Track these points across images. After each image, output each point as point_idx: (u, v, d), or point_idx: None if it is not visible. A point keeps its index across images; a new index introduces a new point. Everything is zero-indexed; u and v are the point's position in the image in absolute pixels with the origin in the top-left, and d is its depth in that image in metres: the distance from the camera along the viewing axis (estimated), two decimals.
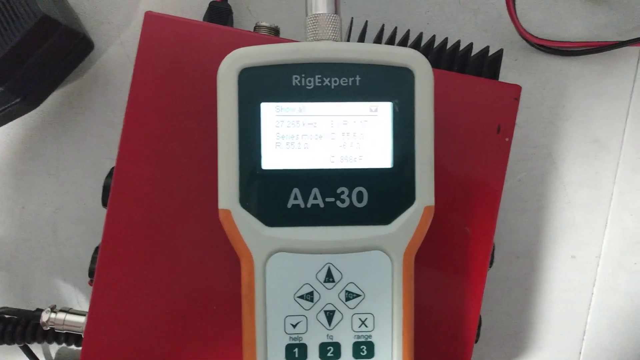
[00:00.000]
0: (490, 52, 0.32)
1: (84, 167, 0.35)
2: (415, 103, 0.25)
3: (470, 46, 0.32)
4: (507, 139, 0.30)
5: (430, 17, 0.37)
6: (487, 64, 0.32)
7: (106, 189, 0.29)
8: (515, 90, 0.30)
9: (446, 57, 0.32)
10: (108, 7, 0.35)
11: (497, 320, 0.40)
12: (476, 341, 0.31)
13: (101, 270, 0.28)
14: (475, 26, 0.37)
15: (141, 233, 0.28)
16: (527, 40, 0.36)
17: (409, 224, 0.25)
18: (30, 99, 0.31)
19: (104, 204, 0.29)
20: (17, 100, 0.30)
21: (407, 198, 0.25)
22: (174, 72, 0.28)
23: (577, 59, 0.38)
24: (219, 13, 0.32)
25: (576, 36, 0.38)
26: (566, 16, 0.38)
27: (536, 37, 0.36)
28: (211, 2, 0.33)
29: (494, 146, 0.30)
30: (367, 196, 0.25)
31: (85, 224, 0.36)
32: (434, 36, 0.32)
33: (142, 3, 0.35)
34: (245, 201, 0.24)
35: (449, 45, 0.32)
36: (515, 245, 0.39)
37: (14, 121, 0.34)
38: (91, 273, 0.29)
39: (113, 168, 0.29)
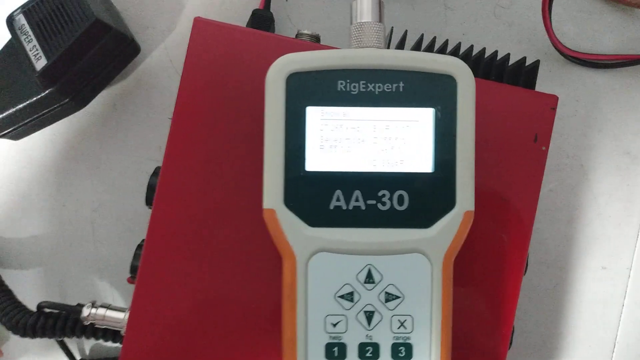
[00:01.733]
0: (527, 63, 0.32)
1: (124, 167, 0.36)
2: (457, 109, 0.25)
3: (507, 56, 0.32)
4: (543, 148, 0.31)
5: (466, 29, 0.37)
6: (524, 74, 0.32)
7: (151, 188, 0.30)
8: (552, 100, 0.31)
9: (483, 67, 0.32)
10: (153, 12, 0.36)
11: (525, 330, 0.40)
12: (509, 348, 0.31)
13: (144, 268, 0.29)
14: (510, 38, 0.38)
15: (185, 233, 0.29)
16: (561, 53, 0.37)
17: (449, 228, 0.25)
18: (78, 100, 0.32)
19: (149, 202, 0.30)
20: (67, 100, 0.31)
21: (447, 202, 0.25)
22: (221, 76, 0.29)
23: (610, 72, 0.38)
24: (262, 21, 0.33)
25: (609, 49, 0.38)
26: (600, 29, 0.38)
27: (570, 50, 0.36)
28: (254, 10, 0.34)
29: (530, 155, 0.31)
30: (408, 199, 0.25)
31: (123, 223, 0.37)
32: (471, 46, 0.32)
33: (187, 9, 0.36)
34: (290, 201, 0.25)
35: (486, 55, 0.33)
36: (545, 255, 0.39)
37: (59, 121, 0.35)
38: (133, 270, 0.30)
39: (158, 167, 0.30)
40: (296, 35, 0.32)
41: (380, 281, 0.25)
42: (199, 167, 0.29)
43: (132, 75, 0.35)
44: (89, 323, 0.32)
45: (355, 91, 0.25)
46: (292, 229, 0.25)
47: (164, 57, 0.35)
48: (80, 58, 0.30)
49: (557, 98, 0.31)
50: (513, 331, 0.31)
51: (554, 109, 0.31)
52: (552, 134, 0.31)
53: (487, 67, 0.32)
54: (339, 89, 0.25)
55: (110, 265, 0.37)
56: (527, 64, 0.32)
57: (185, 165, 0.29)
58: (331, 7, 0.36)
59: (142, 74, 0.35)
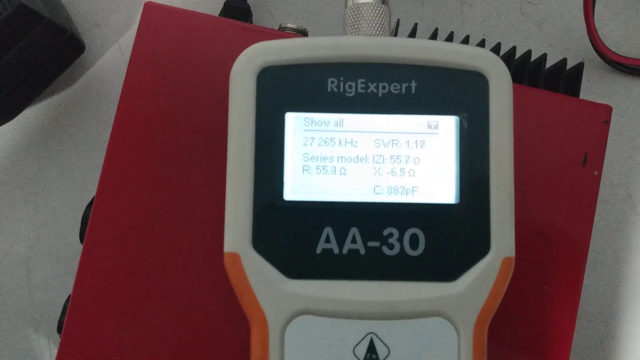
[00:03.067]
0: (568, 66, 0.26)
1: (68, 195, 0.29)
2: (489, 117, 0.19)
3: (543, 57, 0.26)
4: (595, 173, 0.24)
5: (486, 28, 0.31)
6: (564, 80, 0.26)
7: (85, 222, 0.23)
8: (605, 111, 0.24)
9: (514, 70, 0.26)
10: (107, 6, 0.29)
11: None
12: None
13: (70, 325, 0.22)
14: (539, 39, 0.31)
15: (121, 279, 0.22)
16: (604, 58, 0.30)
17: (482, 281, 0.18)
18: (5, 107, 0.26)
19: (82, 239, 0.23)
20: None
21: (479, 246, 0.18)
22: (176, 74, 0.23)
23: None
24: (236, 13, 0.27)
25: None
26: None
27: (616, 54, 0.30)
28: (226, 2, 0.27)
29: (579, 181, 0.24)
30: (424, 241, 0.18)
31: (64, 263, 0.30)
32: (499, 44, 0.26)
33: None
34: (260, 243, 0.18)
35: (517, 56, 0.26)
36: (586, 307, 0.32)
37: None
38: (60, 327, 0.23)
39: (89, 204, 0.23)
40: (278, 29, 0.25)
41: (387, 357, 0.18)
42: (140, 194, 0.22)
43: (79, 82, 0.29)
44: None
45: (351, 92, 0.19)
46: (263, 281, 0.18)
47: (117, 59, 0.29)
48: (3, 53, 0.24)
49: (611, 109, 0.24)
50: None
51: (607, 122, 0.24)
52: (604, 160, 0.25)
53: (518, 70, 0.26)
54: (329, 90, 0.19)
55: (47, 315, 0.30)
56: (567, 67, 0.26)
57: (124, 192, 0.22)
58: (323, 1, 0.30)
59: (91, 79, 0.29)
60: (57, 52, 0.26)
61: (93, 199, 0.23)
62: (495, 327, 0.22)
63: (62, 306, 0.24)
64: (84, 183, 0.29)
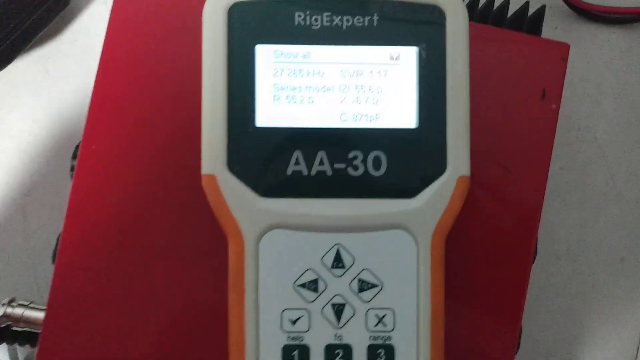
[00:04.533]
0: (530, 11, 0.27)
1: (60, 144, 0.31)
2: (447, 48, 0.20)
3: (506, 2, 0.27)
4: (553, 106, 0.25)
5: None
6: (527, 23, 0.27)
7: (74, 157, 0.24)
8: (562, 49, 0.26)
9: (479, 14, 0.27)
10: None
11: (533, 333, 0.34)
12: (516, 352, 0.25)
13: (61, 260, 0.24)
14: None
15: (107, 212, 0.24)
16: (570, 5, 0.32)
17: (439, 197, 0.20)
18: None
19: (72, 177, 0.25)
20: None
21: (436, 165, 0.20)
22: (153, 16, 0.24)
23: (627, 28, 0.33)
24: None
25: (627, 1, 0.33)
26: None
27: (582, 1, 0.31)
28: None
29: (538, 114, 0.25)
30: (386, 162, 0.20)
31: (59, 209, 0.31)
32: None
33: None
34: (235, 165, 0.20)
35: (481, 1, 0.27)
36: (555, 245, 0.34)
37: None
38: (54, 257, 0.25)
39: (79, 144, 0.24)
40: None
41: (351, 265, 0.20)
42: (124, 129, 0.24)
43: (66, 35, 0.30)
44: (4, 325, 0.26)
45: (317, 25, 0.20)
46: (237, 199, 0.20)
47: (102, 11, 0.30)
48: None
49: (569, 46, 0.26)
50: (520, 332, 0.26)
51: (564, 59, 0.26)
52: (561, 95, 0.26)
53: (483, 14, 0.27)
54: (296, 23, 0.20)
55: (44, 260, 0.32)
56: (530, 12, 0.27)
57: (109, 136, 0.23)
58: None
59: (77, 32, 0.30)
60: (42, 4, 0.27)
61: (76, 147, 0.25)
62: (456, 250, 0.23)
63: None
64: (74, 131, 0.31)
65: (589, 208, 0.34)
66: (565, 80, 0.31)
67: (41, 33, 0.28)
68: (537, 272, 0.34)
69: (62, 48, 0.30)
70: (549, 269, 0.34)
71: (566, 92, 0.33)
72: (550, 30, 0.33)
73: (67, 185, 0.31)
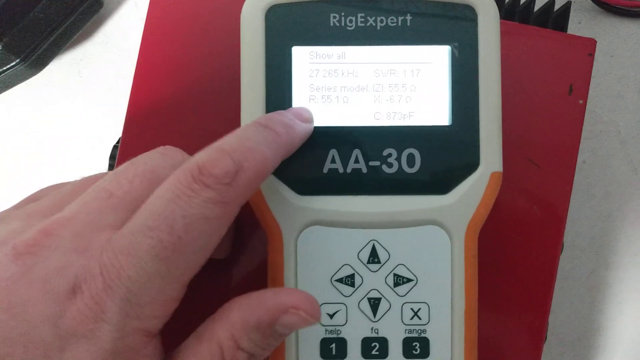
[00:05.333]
0: (556, 7, 0.27)
1: (92, 143, 0.32)
2: (479, 47, 0.21)
3: None
4: (580, 101, 0.26)
5: None
6: (552, 20, 0.27)
7: (113, 158, 0.25)
8: (589, 44, 0.26)
9: (505, 10, 0.27)
10: None
11: (557, 324, 0.34)
12: (544, 342, 0.26)
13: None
14: None
15: None
16: (594, 0, 0.32)
17: (472, 193, 0.20)
18: (31, 61, 0.28)
19: None
20: (17, 61, 0.27)
21: (469, 162, 0.21)
22: (191, 16, 0.24)
23: None
24: None
25: None
26: None
27: None
28: None
29: (565, 110, 0.25)
30: (420, 160, 0.21)
31: None
32: None
33: None
34: None
35: None
36: (578, 238, 0.34)
37: (16, 92, 0.30)
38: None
39: (116, 143, 0.25)
40: None
41: (387, 261, 0.20)
42: (163, 129, 0.24)
43: (98, 36, 0.31)
44: None
45: (352, 26, 0.21)
46: (277, 198, 0.20)
47: (134, 14, 0.31)
48: (30, 9, 0.26)
49: (595, 42, 0.26)
50: (547, 323, 0.26)
51: (591, 55, 0.26)
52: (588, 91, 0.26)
53: (509, 10, 0.27)
54: (332, 24, 0.21)
55: None
56: (556, 7, 0.27)
57: (147, 129, 0.24)
58: None
59: (109, 34, 0.31)
60: (78, 7, 0.28)
61: (119, 140, 0.25)
62: (487, 244, 0.24)
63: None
64: (106, 133, 0.32)
65: (612, 201, 0.34)
66: None
67: (75, 36, 0.29)
68: (561, 264, 0.34)
69: (94, 50, 0.31)
70: (573, 261, 0.35)
71: (590, 86, 0.33)
72: (574, 24, 0.33)
73: None
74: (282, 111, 0.20)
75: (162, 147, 0.19)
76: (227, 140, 0.17)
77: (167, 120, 0.24)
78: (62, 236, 0.16)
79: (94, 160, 0.32)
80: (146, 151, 0.18)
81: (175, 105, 0.24)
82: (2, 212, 0.19)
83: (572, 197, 0.34)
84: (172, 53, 0.25)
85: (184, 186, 0.16)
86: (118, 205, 0.17)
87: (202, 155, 0.16)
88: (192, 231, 0.16)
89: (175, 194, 0.16)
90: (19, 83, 0.29)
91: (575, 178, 0.34)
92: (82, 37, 0.31)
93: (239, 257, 0.24)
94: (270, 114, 0.19)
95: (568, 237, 0.34)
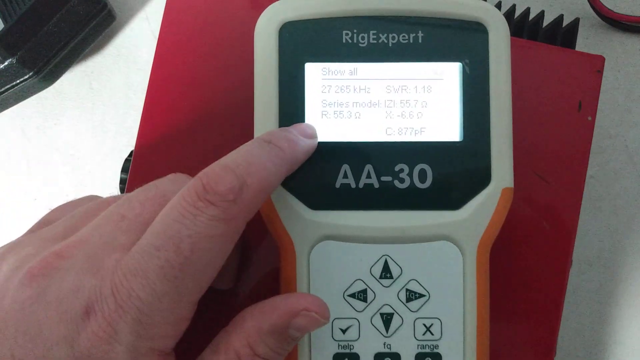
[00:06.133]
0: (565, 23, 0.28)
1: (102, 155, 0.32)
2: (489, 63, 0.21)
3: (541, 14, 0.28)
4: (589, 118, 0.26)
5: None
6: (561, 35, 0.27)
7: (123, 183, 0.25)
8: (598, 61, 0.26)
9: (514, 26, 0.28)
10: None
11: (565, 339, 0.34)
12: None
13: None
14: None
15: None
16: (600, 15, 0.32)
17: (484, 208, 0.21)
18: (44, 74, 0.28)
19: (122, 191, 0.25)
20: (30, 74, 0.27)
21: (481, 178, 0.21)
22: (204, 33, 0.25)
23: None
24: None
25: None
26: None
27: (612, 11, 0.32)
28: None
29: (574, 126, 0.26)
30: (432, 175, 0.21)
31: None
32: (499, 2, 0.28)
33: None
34: (286, 180, 0.20)
35: (517, 14, 0.28)
36: (586, 252, 0.34)
37: (29, 103, 0.31)
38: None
39: (128, 157, 0.25)
40: None
41: (399, 276, 0.20)
42: (175, 144, 0.24)
43: (109, 50, 0.31)
44: None
45: (364, 43, 0.21)
46: (289, 213, 0.20)
47: (144, 28, 0.31)
48: (44, 23, 0.26)
49: (604, 59, 0.26)
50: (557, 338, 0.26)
51: (600, 71, 0.26)
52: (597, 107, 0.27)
53: (518, 26, 0.28)
54: (344, 41, 0.21)
55: None
56: (564, 23, 0.28)
57: (160, 148, 0.24)
58: None
59: (120, 47, 0.31)
60: (91, 21, 0.28)
61: (131, 153, 0.26)
62: (497, 260, 0.24)
63: None
64: (116, 144, 0.32)
65: (620, 215, 0.34)
66: None
67: (87, 49, 0.30)
68: (570, 278, 0.34)
69: (105, 63, 0.31)
70: (581, 275, 0.34)
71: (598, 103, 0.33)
72: (582, 40, 0.33)
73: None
74: (286, 127, 0.20)
75: (172, 174, 0.19)
76: (231, 157, 0.17)
77: (180, 135, 0.25)
78: (75, 258, 0.16)
79: (105, 172, 0.32)
80: (157, 166, 0.18)
81: (187, 120, 0.25)
82: (17, 238, 0.19)
83: (580, 211, 0.34)
84: (185, 67, 0.25)
85: (188, 204, 0.16)
86: (130, 228, 0.17)
87: (206, 173, 0.17)
88: (198, 250, 0.16)
89: (181, 213, 0.16)
90: (31, 95, 0.29)
91: (583, 192, 0.34)
92: (94, 50, 0.31)
93: (245, 287, 0.24)
94: (274, 130, 0.20)
95: (577, 251, 0.34)
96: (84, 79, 0.31)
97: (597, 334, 0.34)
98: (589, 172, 0.34)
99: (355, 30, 0.21)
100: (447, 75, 0.21)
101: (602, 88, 0.34)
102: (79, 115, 0.32)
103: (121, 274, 0.15)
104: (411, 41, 0.21)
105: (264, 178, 0.17)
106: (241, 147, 0.18)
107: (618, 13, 0.32)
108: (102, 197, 0.21)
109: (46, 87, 0.29)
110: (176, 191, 0.18)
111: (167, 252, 0.15)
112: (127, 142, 0.32)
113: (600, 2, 0.31)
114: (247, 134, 0.21)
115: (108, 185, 0.32)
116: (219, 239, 0.16)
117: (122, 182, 0.25)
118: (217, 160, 0.18)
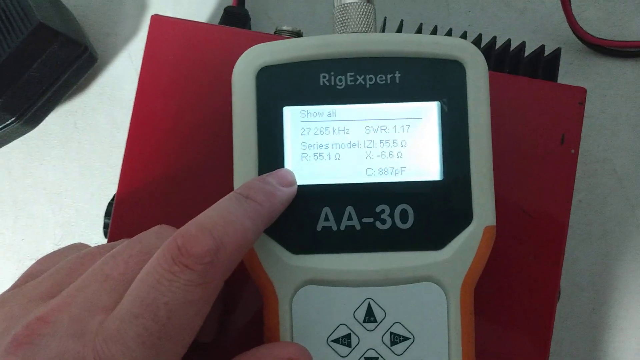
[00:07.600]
0: (546, 52, 0.28)
1: (89, 194, 0.32)
2: (468, 101, 0.21)
3: (522, 45, 0.28)
4: (572, 151, 0.26)
5: (472, 18, 0.33)
6: (542, 66, 0.28)
7: (108, 215, 0.25)
8: (579, 94, 0.26)
9: (495, 58, 0.28)
10: (115, 18, 0.32)
11: None
12: None
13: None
14: (522, 27, 0.33)
15: None
16: (584, 41, 0.32)
17: (466, 248, 0.20)
18: (26, 118, 0.28)
19: (105, 234, 0.25)
20: (12, 119, 0.27)
21: (462, 217, 0.21)
22: (183, 78, 0.25)
23: None
24: (236, 19, 0.29)
25: (639, 35, 0.33)
26: (628, 13, 0.34)
27: (595, 37, 0.32)
28: (227, 7, 0.29)
29: (558, 159, 0.25)
30: (413, 215, 0.21)
31: None
32: (480, 35, 0.28)
33: (151, 13, 0.32)
34: None
35: (497, 45, 0.28)
36: (578, 277, 0.34)
37: (14, 143, 0.31)
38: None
39: (111, 200, 0.25)
40: (274, 33, 0.27)
41: (383, 319, 0.20)
42: (158, 188, 0.24)
43: (93, 89, 0.31)
44: None
45: (341, 85, 0.21)
46: (270, 258, 0.20)
47: (127, 66, 0.31)
48: (25, 70, 0.26)
49: (586, 91, 0.26)
50: None
51: (582, 103, 0.26)
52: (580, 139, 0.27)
53: (499, 58, 0.28)
54: (321, 84, 0.21)
55: None
56: (545, 53, 0.28)
57: (143, 189, 0.24)
58: (316, 1, 0.32)
59: (104, 86, 0.31)
60: (72, 64, 0.28)
61: (114, 196, 0.25)
62: (483, 295, 0.24)
63: None
64: (103, 182, 0.32)
65: (610, 239, 0.34)
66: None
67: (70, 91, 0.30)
68: (561, 303, 0.34)
69: (89, 101, 0.31)
70: (573, 300, 0.34)
71: (584, 127, 0.33)
72: (566, 65, 0.33)
73: (98, 235, 0.32)
74: (265, 176, 0.20)
75: (157, 227, 0.19)
76: (207, 215, 0.17)
77: (161, 180, 0.24)
78: (60, 322, 0.16)
79: (92, 210, 0.32)
80: (139, 210, 0.18)
81: (169, 165, 0.25)
82: (2, 293, 0.19)
83: (569, 236, 0.34)
84: (167, 108, 0.25)
85: (164, 270, 0.16)
86: (114, 287, 0.17)
87: (182, 233, 0.16)
88: (175, 316, 0.16)
89: (156, 279, 0.16)
90: (15, 139, 0.29)
91: (572, 217, 0.34)
92: (78, 89, 0.31)
93: (228, 336, 0.24)
94: (251, 182, 0.19)
95: (567, 276, 0.34)
96: (69, 118, 0.31)
97: (590, 358, 0.34)
98: (578, 197, 0.34)
99: (332, 73, 0.21)
100: (426, 115, 0.21)
101: (589, 113, 0.34)
102: (65, 154, 0.32)
103: (102, 340, 0.15)
104: (388, 82, 0.21)
105: (241, 236, 0.17)
106: (218, 202, 0.18)
107: (601, 39, 0.32)
108: (87, 247, 0.20)
109: (30, 131, 0.29)
110: (160, 246, 0.17)
111: (145, 319, 0.15)
112: (113, 180, 0.32)
113: (582, 29, 0.31)
114: (229, 173, 0.21)
115: (95, 223, 0.32)
116: (196, 303, 0.16)
117: (106, 226, 0.25)
118: (200, 203, 0.17)
